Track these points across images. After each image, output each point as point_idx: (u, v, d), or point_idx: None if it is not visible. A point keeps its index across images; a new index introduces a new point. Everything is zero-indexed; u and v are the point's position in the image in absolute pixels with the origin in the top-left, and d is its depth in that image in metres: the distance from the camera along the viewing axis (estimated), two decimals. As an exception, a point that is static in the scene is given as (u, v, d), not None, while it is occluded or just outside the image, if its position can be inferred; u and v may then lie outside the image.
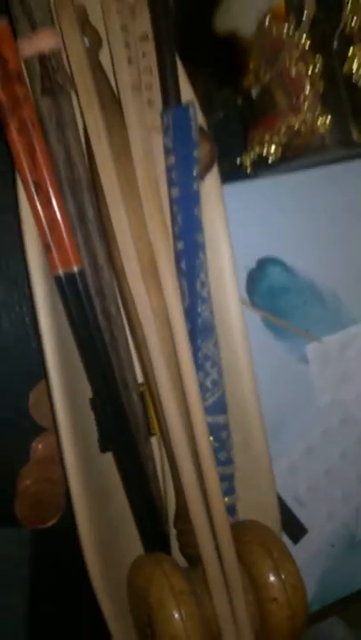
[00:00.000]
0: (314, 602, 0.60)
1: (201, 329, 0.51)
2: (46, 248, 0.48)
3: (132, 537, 0.50)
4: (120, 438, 0.50)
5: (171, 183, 0.51)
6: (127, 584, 0.48)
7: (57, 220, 0.47)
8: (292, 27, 0.53)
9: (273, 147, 0.56)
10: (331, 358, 0.62)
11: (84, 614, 0.48)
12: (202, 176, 0.52)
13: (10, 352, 0.53)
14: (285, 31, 0.53)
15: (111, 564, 0.48)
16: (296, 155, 0.56)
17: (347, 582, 0.62)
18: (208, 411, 0.50)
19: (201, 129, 0.52)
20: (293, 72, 0.54)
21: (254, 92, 0.56)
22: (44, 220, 0.47)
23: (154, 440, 0.53)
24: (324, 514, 0.61)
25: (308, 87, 0.54)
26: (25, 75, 0.47)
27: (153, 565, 0.46)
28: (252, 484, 0.53)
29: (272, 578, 0.46)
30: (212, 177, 0.53)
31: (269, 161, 0.56)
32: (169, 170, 0.51)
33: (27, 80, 0.47)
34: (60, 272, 0.48)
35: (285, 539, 0.54)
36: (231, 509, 0.51)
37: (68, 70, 0.48)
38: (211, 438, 0.49)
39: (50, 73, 0.47)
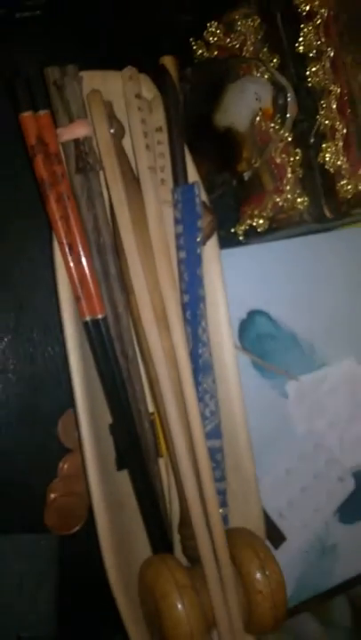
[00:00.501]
0: (292, 599, 0.58)
1: (202, 367, 0.50)
2: (76, 298, 0.47)
3: (142, 541, 0.49)
4: (134, 458, 0.48)
5: (179, 247, 0.51)
6: (138, 580, 0.46)
7: (86, 275, 0.46)
8: (277, 124, 0.53)
9: (261, 220, 0.55)
10: (306, 394, 0.61)
11: (103, 607, 0.46)
12: (204, 242, 0.51)
13: (42, 384, 0.51)
14: (272, 128, 0.53)
15: (125, 564, 0.46)
16: (280, 227, 0.55)
17: (318, 583, 0.60)
18: (206, 436, 0.48)
19: (204, 204, 0.51)
20: (278, 160, 0.54)
21: (247, 176, 0.55)
22: (75, 275, 0.46)
23: (161, 461, 0.51)
24: (300, 524, 0.59)
25: (289, 173, 0.54)
26: (62, 156, 0.47)
27: (160, 563, 0.45)
28: (241, 498, 0.51)
29: (258, 574, 0.45)
30: (212, 243, 0.52)
31: (258, 230, 0.55)
32: (177, 236, 0.51)
33: (64, 160, 0.47)
34: (88, 318, 0.47)
35: (268, 544, 0.52)
36: (224, 519, 0.49)
37: (98, 153, 0.48)
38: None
39: (82, 155, 0.47)
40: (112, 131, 0.49)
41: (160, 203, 0.50)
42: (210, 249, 0.52)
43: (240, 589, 0.45)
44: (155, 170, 0.50)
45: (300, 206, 0.54)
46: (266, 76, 0.52)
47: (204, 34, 0.57)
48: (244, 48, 0.55)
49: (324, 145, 0.51)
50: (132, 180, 0.49)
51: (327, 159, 0.50)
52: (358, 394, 0.64)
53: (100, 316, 0.47)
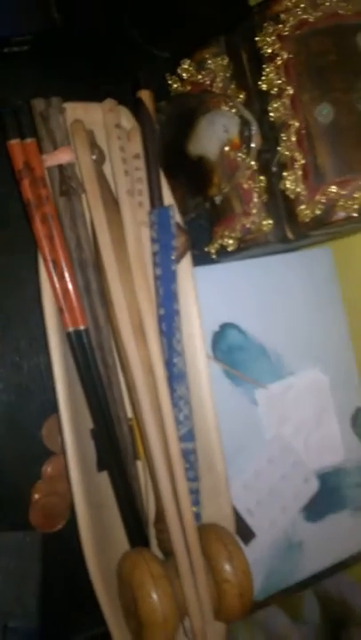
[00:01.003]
0: (260, 593, 0.59)
1: (176, 375, 0.51)
2: (60, 310, 0.48)
3: (120, 537, 0.49)
4: (113, 460, 0.49)
5: (155, 264, 0.52)
6: (116, 572, 0.47)
7: (69, 289, 0.48)
8: (244, 154, 0.54)
9: (231, 240, 0.57)
10: (274, 401, 0.62)
11: (84, 599, 0.46)
12: (178, 260, 0.53)
13: (28, 391, 0.52)
14: (240, 157, 0.54)
15: (105, 558, 0.46)
16: (247, 247, 0.57)
17: (286, 577, 0.61)
18: (181, 439, 0.50)
19: (178, 225, 0.53)
20: (246, 186, 0.55)
21: (218, 200, 0.57)
22: (58, 289, 0.47)
23: (139, 463, 0.52)
24: (268, 522, 0.60)
25: (255, 198, 0.55)
26: (47, 180, 0.48)
27: (136, 556, 0.46)
28: (213, 497, 0.52)
29: (226, 565, 0.46)
30: (186, 261, 0.54)
31: (228, 250, 0.57)
32: (154, 254, 0.52)
33: (49, 184, 0.48)
34: (71, 329, 0.48)
35: (238, 541, 0.53)
36: (197, 516, 0.50)
37: (80, 178, 0.49)
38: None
39: (66, 179, 0.48)
40: (93, 157, 0.51)
41: (138, 224, 0.52)
42: (184, 266, 0.54)
43: (210, 579, 0.46)
44: (133, 193, 0.52)
45: (265, 228, 0.55)
46: (233, 111, 0.54)
47: (178, 70, 0.59)
48: (214, 84, 0.57)
49: (285, 173, 0.52)
50: (112, 203, 0.51)
51: (288, 186, 0.52)
52: (323, 401, 0.66)
53: (81, 327, 0.48)
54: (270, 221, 0.55)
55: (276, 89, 0.52)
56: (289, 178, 0.52)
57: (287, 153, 0.52)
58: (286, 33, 0.51)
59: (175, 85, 0.60)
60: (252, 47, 0.53)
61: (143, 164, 0.53)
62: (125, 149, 0.52)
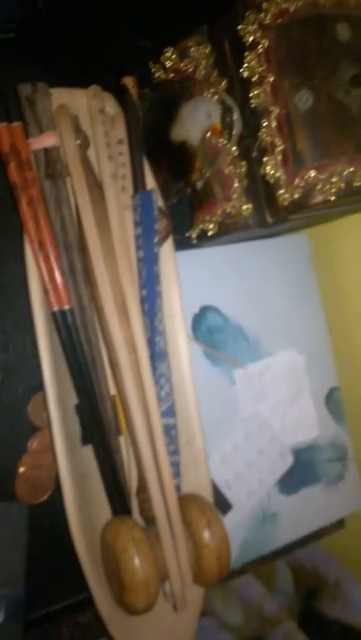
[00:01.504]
0: (237, 561, 0.60)
1: (158, 354, 0.52)
2: (45, 291, 0.48)
3: (104, 507, 0.50)
4: (97, 434, 0.50)
5: (138, 247, 0.52)
6: (100, 539, 0.48)
7: (53, 270, 0.48)
8: (225, 140, 0.55)
9: (211, 224, 0.57)
10: (252, 381, 0.63)
11: (68, 566, 0.47)
12: (160, 243, 0.53)
13: (14, 370, 0.52)
14: (221, 142, 0.55)
15: (88, 527, 0.47)
16: (228, 231, 0.57)
17: (261, 547, 0.62)
18: (162, 414, 0.50)
19: (160, 209, 0.53)
20: (227, 171, 0.56)
21: (199, 185, 0.57)
22: (44, 269, 0.48)
23: (121, 438, 0.53)
24: (245, 494, 0.61)
25: (236, 183, 0.56)
26: (33, 163, 0.49)
27: (119, 523, 0.47)
28: (192, 469, 0.53)
29: (205, 531, 0.47)
30: (168, 244, 0.55)
31: (209, 234, 0.57)
32: (137, 237, 0.53)
33: (34, 167, 0.49)
34: (56, 309, 0.48)
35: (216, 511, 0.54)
36: (177, 487, 0.51)
37: (65, 161, 0.49)
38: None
39: (51, 163, 0.48)
40: (78, 142, 0.50)
41: (121, 207, 0.52)
42: (166, 249, 0.55)
43: (189, 545, 0.47)
44: (116, 178, 0.52)
45: (245, 212, 0.56)
46: (215, 97, 0.54)
47: (161, 58, 0.59)
48: (197, 72, 0.57)
49: (265, 159, 0.53)
50: (96, 187, 0.51)
51: (268, 171, 0.53)
52: (298, 381, 0.67)
53: (66, 307, 0.49)
54: (250, 206, 0.56)
55: (257, 76, 0.52)
56: (269, 163, 0.52)
57: (268, 138, 0.52)
58: (268, 22, 0.51)
59: (158, 73, 0.60)
60: (234, 36, 0.53)
61: (127, 150, 0.53)
62: (109, 134, 0.52)
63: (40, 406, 0.52)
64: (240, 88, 0.54)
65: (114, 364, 0.51)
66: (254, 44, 0.52)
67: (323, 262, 0.70)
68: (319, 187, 0.49)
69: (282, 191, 0.52)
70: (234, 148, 0.55)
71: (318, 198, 0.50)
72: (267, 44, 0.51)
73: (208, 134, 0.55)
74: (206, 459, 0.54)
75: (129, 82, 0.53)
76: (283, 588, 0.79)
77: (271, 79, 0.52)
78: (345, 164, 0.50)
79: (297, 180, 0.51)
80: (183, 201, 0.60)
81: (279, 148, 0.51)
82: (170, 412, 0.52)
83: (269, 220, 0.55)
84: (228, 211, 0.57)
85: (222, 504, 0.59)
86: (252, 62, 0.52)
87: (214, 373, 0.62)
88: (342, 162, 0.50)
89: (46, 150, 0.49)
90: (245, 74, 0.53)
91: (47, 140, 0.48)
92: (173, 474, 0.50)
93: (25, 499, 0.51)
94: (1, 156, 0.47)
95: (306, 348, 0.68)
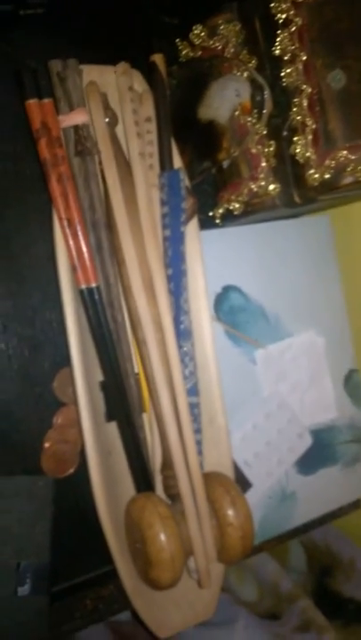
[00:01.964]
0: (255, 538, 0.60)
1: (182, 333, 0.52)
2: (73, 268, 0.48)
3: (128, 483, 0.50)
4: (121, 411, 0.50)
5: (164, 226, 0.52)
6: (124, 515, 0.48)
7: (82, 248, 0.47)
8: (254, 119, 0.54)
9: (237, 204, 0.57)
10: (272, 361, 0.63)
11: (93, 539, 0.48)
12: (186, 222, 0.53)
13: (41, 345, 0.52)
14: (250, 121, 0.54)
15: (113, 502, 0.47)
16: (254, 210, 0.57)
17: (279, 525, 0.62)
18: (186, 393, 0.51)
19: (187, 188, 0.53)
20: (254, 151, 0.55)
21: (225, 164, 0.57)
22: (72, 247, 0.47)
23: (145, 416, 0.53)
24: (264, 473, 0.61)
25: (264, 162, 0.55)
26: (63, 140, 0.48)
27: (145, 499, 0.47)
28: (214, 448, 0.53)
29: (230, 510, 0.47)
30: (194, 223, 0.54)
31: (235, 213, 0.57)
32: (163, 216, 0.52)
33: (64, 144, 0.48)
34: (83, 286, 0.48)
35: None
36: (200, 466, 0.51)
37: (94, 139, 0.49)
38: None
39: (81, 140, 0.48)
40: (107, 120, 0.50)
41: (149, 185, 0.51)
42: (191, 228, 0.54)
43: (213, 522, 0.47)
44: (144, 156, 0.51)
45: (272, 192, 0.55)
46: (245, 75, 0.53)
47: (190, 36, 0.58)
48: (226, 50, 0.56)
49: (295, 138, 0.52)
50: (124, 165, 0.51)
51: (298, 151, 0.52)
52: (318, 362, 0.66)
53: (93, 285, 0.48)
54: (278, 185, 0.55)
55: (289, 55, 0.51)
56: (299, 142, 0.51)
57: (298, 118, 0.51)
58: (301, 0, 0.50)
59: (186, 51, 0.59)
60: (265, 13, 0.52)
61: (155, 128, 0.53)
62: (138, 112, 0.51)
63: (65, 382, 0.52)
64: (270, 66, 0.53)
65: (140, 343, 0.50)
66: (287, 22, 0.51)
67: (344, 244, 0.69)
68: (350, 168, 0.49)
69: (312, 171, 0.51)
70: (263, 128, 0.55)
71: (349, 179, 0.49)
72: (300, 22, 0.50)
73: (237, 113, 0.54)
74: (228, 438, 0.54)
75: (158, 59, 0.52)
76: (295, 567, 0.80)
77: (304, 58, 0.51)
78: (377, 145, 0.49)
79: (328, 161, 0.50)
80: (206, 180, 0.59)
81: (310, 128, 0.51)
82: (193, 391, 0.52)
83: (297, 200, 0.54)
84: (254, 190, 0.56)
85: (242, 482, 0.59)
86: (285, 41, 0.51)
87: (236, 353, 0.62)
88: (375, 143, 0.49)
89: (76, 128, 0.48)
90: (277, 52, 0.52)
91: (77, 118, 0.48)
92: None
93: (50, 473, 0.51)
94: (31, 132, 0.47)
95: (326, 329, 0.67)
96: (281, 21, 0.51)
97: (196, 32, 0.57)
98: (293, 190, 0.54)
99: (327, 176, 0.50)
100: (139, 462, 0.50)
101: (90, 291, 0.48)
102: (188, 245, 0.53)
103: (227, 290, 0.62)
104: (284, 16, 0.51)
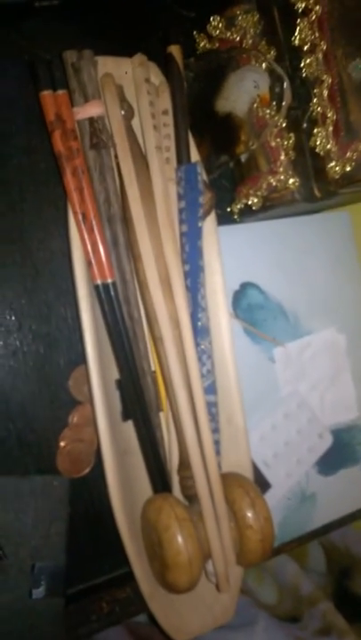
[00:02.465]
0: (275, 540, 0.59)
1: (200, 330, 0.50)
2: (88, 263, 0.47)
3: (144, 483, 0.49)
4: (138, 410, 0.48)
5: (181, 221, 0.51)
6: (141, 516, 0.47)
7: (97, 242, 0.46)
8: (273, 111, 0.52)
9: (256, 198, 0.55)
10: (291, 359, 0.61)
11: (109, 541, 0.46)
12: (204, 217, 0.52)
13: (56, 342, 0.51)
14: (269, 114, 0.52)
15: (129, 502, 0.46)
16: (273, 205, 0.55)
17: (299, 527, 0.61)
18: (204, 392, 0.49)
19: (204, 182, 0.51)
20: (273, 144, 0.53)
21: (243, 158, 0.55)
22: (88, 242, 0.46)
23: (162, 415, 0.52)
24: (283, 474, 0.59)
25: (283, 155, 0.53)
26: (78, 132, 0.47)
27: (162, 500, 0.45)
28: (233, 448, 0.52)
29: (249, 512, 0.46)
30: (211, 218, 0.53)
31: (253, 208, 0.55)
32: (180, 211, 0.51)
33: (79, 137, 0.47)
34: (99, 282, 0.47)
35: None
36: (218, 467, 0.50)
37: (110, 131, 0.48)
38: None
39: (96, 133, 0.46)
40: (123, 112, 0.49)
41: (165, 179, 0.50)
42: (209, 224, 0.52)
43: (232, 524, 0.46)
44: (161, 149, 0.50)
45: (291, 186, 0.53)
46: (264, 66, 0.52)
47: (207, 27, 0.56)
48: (244, 41, 0.54)
49: (315, 130, 0.50)
50: (140, 158, 0.49)
51: (318, 143, 0.50)
52: (338, 360, 0.65)
53: (109, 281, 0.47)
54: (297, 179, 0.54)
55: (308, 44, 0.50)
56: (320, 134, 0.50)
57: (319, 109, 0.50)
58: (320, -12, 0.48)
59: (203, 43, 0.58)
60: (284, 2, 0.50)
61: (171, 121, 0.51)
62: (154, 104, 0.50)
63: (81, 380, 0.51)
64: (290, 57, 0.52)
65: (157, 340, 0.49)
66: (307, 11, 0.49)
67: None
68: (373, 159, 0.47)
69: (332, 164, 0.49)
70: (282, 120, 0.53)
71: (371, 171, 0.47)
72: (320, 10, 0.49)
73: (255, 105, 0.52)
74: (247, 437, 0.52)
75: (175, 50, 0.51)
76: (315, 568, 0.78)
77: (324, 47, 0.49)
78: None
79: (349, 153, 0.48)
80: (224, 175, 0.57)
81: (331, 119, 0.49)
82: (211, 390, 0.51)
83: (317, 194, 0.52)
84: (273, 184, 0.54)
85: (261, 483, 0.58)
86: (304, 30, 0.50)
87: (254, 351, 0.60)
88: None
89: (91, 120, 0.47)
90: (296, 42, 0.50)
91: (92, 110, 0.46)
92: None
93: (66, 473, 0.49)
94: (46, 125, 0.46)
95: (346, 326, 0.65)
96: (300, 10, 0.50)
97: (213, 23, 0.56)
98: (313, 184, 0.53)
99: (348, 168, 0.48)
100: (155, 462, 0.48)
101: (105, 286, 0.47)
102: (206, 241, 0.52)
103: (245, 287, 0.60)
104: (303, 5, 0.49)
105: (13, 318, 0.50)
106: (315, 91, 0.50)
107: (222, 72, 0.53)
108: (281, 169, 0.54)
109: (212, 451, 0.46)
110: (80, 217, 0.46)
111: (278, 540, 0.59)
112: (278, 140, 0.54)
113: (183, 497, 0.49)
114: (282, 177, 0.54)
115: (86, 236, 0.46)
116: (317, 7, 0.49)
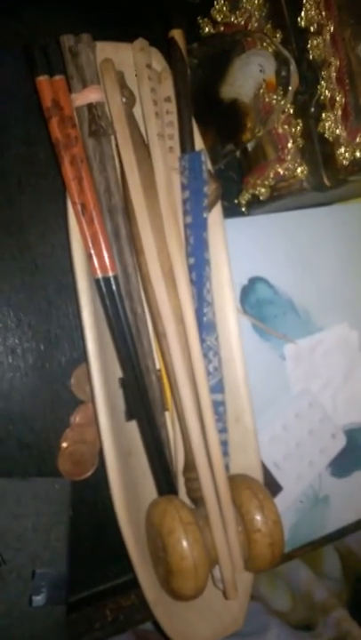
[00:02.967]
0: (286, 545, 0.56)
1: (206, 326, 0.49)
2: (89, 257, 0.45)
3: (148, 485, 0.47)
4: (142, 409, 0.47)
5: (185, 212, 0.49)
6: (145, 519, 0.45)
7: (98, 235, 0.45)
8: (280, 96, 0.51)
9: (263, 188, 0.54)
10: (302, 356, 0.60)
11: (112, 546, 0.45)
12: (209, 208, 0.50)
13: (57, 340, 0.50)
14: (275, 99, 0.51)
15: (133, 505, 0.45)
16: (281, 195, 0.53)
17: (311, 531, 0.59)
18: (210, 390, 0.47)
19: (209, 171, 0.50)
20: (280, 131, 0.52)
21: (250, 146, 0.54)
22: (87, 233, 0.45)
23: (167, 414, 0.50)
24: (295, 476, 0.58)
25: (291, 143, 0.52)
26: (76, 120, 0.45)
27: (166, 503, 0.44)
28: (241, 449, 0.50)
29: (257, 515, 0.44)
30: (217, 209, 0.51)
31: (261, 199, 0.54)
32: (184, 202, 0.49)
33: (77, 124, 0.45)
34: (100, 276, 0.45)
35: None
36: (225, 467, 0.48)
37: (109, 118, 0.46)
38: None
39: (95, 119, 0.45)
40: (124, 99, 0.47)
41: (168, 168, 0.48)
42: (214, 215, 0.51)
43: (240, 527, 0.44)
44: (163, 137, 0.49)
45: (300, 175, 0.52)
46: (270, 49, 0.50)
47: (211, 11, 0.55)
48: (249, 24, 0.53)
49: (323, 115, 0.49)
50: (142, 146, 0.48)
51: (326, 128, 0.49)
52: (351, 357, 0.63)
53: (110, 274, 0.46)
54: (306, 167, 0.52)
55: (315, 25, 0.48)
56: (328, 119, 0.48)
57: (327, 93, 0.48)
58: (327, -35, 0.47)
59: (207, 28, 0.56)
60: (289, -18, 0.49)
61: (174, 108, 0.50)
62: (156, 91, 0.49)
63: (83, 379, 0.49)
64: (296, 39, 0.50)
65: (160, 336, 0.47)
66: (313, -10, 0.48)
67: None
68: (384, 143, 0.45)
69: (342, 150, 0.48)
70: (289, 105, 0.51)
71: (383, 156, 0.46)
72: (327, -11, 0.47)
73: (261, 90, 0.51)
74: (256, 438, 0.51)
75: (177, 35, 0.49)
76: (330, 574, 0.76)
77: (331, 28, 0.48)
78: None
79: (359, 138, 0.47)
80: (230, 165, 0.56)
81: (339, 103, 0.47)
82: (218, 388, 0.49)
83: (327, 182, 0.51)
84: (281, 173, 0.53)
85: (272, 486, 0.56)
86: (311, 11, 0.48)
87: (263, 348, 0.58)
88: None
89: (90, 106, 0.45)
90: (303, 23, 0.49)
91: (91, 96, 0.45)
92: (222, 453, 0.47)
93: (68, 475, 0.48)
94: (42, 111, 0.44)
95: (359, 322, 0.63)
96: (307, -11, 0.48)
97: (217, 7, 0.54)
98: (323, 172, 0.51)
99: (359, 154, 0.47)
100: (160, 463, 0.47)
101: (107, 280, 0.46)
102: (212, 233, 0.50)
103: (253, 281, 0.58)
104: (309, -16, 0.47)
105: (12, 314, 0.48)
106: (322, 73, 0.48)
107: (227, 57, 0.51)
108: (289, 157, 0.52)
109: (218, 451, 0.45)
110: (79, 208, 0.45)
111: (291, 544, 0.57)
112: (286, 126, 0.52)
113: (189, 500, 0.47)
114: (290, 165, 0.52)
115: (86, 228, 0.45)
116: (324, -15, 0.47)
